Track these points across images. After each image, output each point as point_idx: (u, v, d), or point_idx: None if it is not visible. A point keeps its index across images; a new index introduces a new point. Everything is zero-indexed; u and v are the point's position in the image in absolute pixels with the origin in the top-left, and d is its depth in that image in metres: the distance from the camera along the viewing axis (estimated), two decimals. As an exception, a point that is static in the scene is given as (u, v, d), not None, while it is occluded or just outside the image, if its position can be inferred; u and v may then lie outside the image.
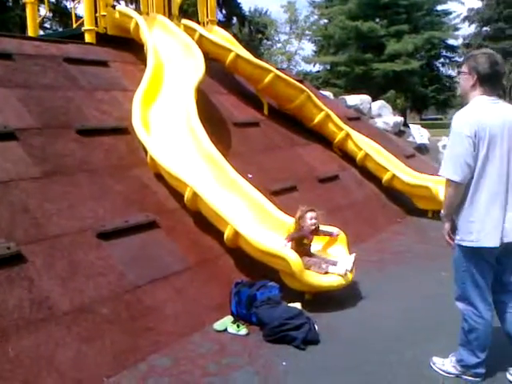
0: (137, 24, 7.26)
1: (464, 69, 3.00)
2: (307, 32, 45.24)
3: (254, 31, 37.94)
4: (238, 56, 7.76)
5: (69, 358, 3.27)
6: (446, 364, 3.26)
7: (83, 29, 7.64)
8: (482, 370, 3.12)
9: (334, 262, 4.60)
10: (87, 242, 4.17)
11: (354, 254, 4.69)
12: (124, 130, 5.73)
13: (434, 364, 3.32)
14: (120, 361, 3.44)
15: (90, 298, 3.74)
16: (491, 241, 2.88)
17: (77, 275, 3.85)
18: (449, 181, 2.93)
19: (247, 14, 38.18)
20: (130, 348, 3.56)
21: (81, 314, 3.59)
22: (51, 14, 23.31)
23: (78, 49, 7.01)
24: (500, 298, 3.11)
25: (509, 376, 3.15)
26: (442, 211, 3.13)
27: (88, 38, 7.60)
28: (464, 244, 2.98)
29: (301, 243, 4.69)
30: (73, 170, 4.82)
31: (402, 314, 4.30)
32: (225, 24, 26.65)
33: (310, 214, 4.72)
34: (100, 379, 3.25)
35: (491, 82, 2.91)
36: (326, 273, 4.47)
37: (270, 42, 46.47)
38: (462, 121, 2.87)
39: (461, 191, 2.92)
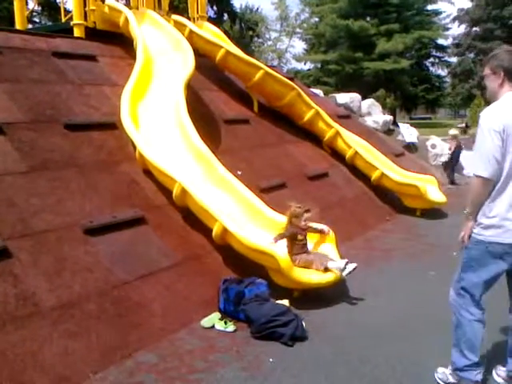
0: (126, 18, 7.22)
1: (487, 71, 2.95)
2: (298, 30, 45.33)
3: (244, 28, 37.90)
4: (228, 52, 7.74)
5: (55, 353, 3.25)
6: (445, 372, 3.14)
7: (72, 23, 7.58)
8: (475, 377, 2.97)
9: (331, 258, 4.62)
10: (74, 237, 4.14)
11: (354, 264, 4.59)
12: (112, 125, 5.69)
13: (436, 373, 3.20)
14: (107, 357, 3.42)
15: (76, 293, 3.71)
16: (509, 238, 2.81)
17: (64, 271, 3.82)
18: (478, 177, 2.83)
19: (238, 10, 38.13)
20: (117, 344, 3.54)
21: (68, 309, 3.56)
22: (40, 8, 23.09)
23: (67, 43, 6.95)
24: None
25: (495, 375, 3.14)
26: (468, 209, 2.98)
27: (77, 32, 7.54)
28: (480, 238, 2.89)
29: (295, 240, 4.69)
30: (60, 164, 4.78)
31: (389, 311, 4.33)
32: (216, 20, 26.59)
33: (306, 215, 4.72)
34: (86, 375, 3.23)
35: None
36: (326, 268, 4.48)
37: (260, 40, 46.42)
38: (491, 116, 2.81)
39: (490, 188, 2.84)
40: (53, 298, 3.57)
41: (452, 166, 10.92)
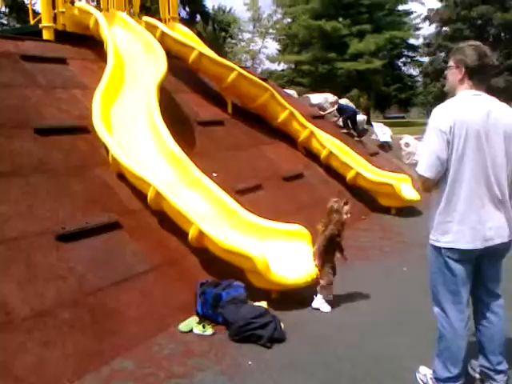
0: (96, 21, 7.13)
1: (451, 63, 2.85)
2: (271, 31, 45.41)
3: (217, 29, 37.80)
4: (201, 54, 7.70)
5: (29, 363, 3.18)
6: (427, 375, 3.09)
7: (41, 25, 7.45)
8: None
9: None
10: (46, 244, 4.05)
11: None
12: (84, 129, 5.59)
13: (418, 373, 3.17)
14: (83, 365, 3.36)
15: (50, 301, 3.64)
16: (468, 243, 2.72)
17: (36, 279, 3.73)
18: (421, 177, 2.81)
19: (211, 11, 38.01)
20: (93, 352, 3.49)
21: (41, 318, 3.49)
22: (7, 9, 22.62)
23: (36, 46, 6.83)
24: (485, 304, 2.97)
25: (470, 370, 3.16)
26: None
27: (46, 34, 7.41)
28: (438, 245, 2.82)
29: (334, 241, 4.50)
30: (31, 170, 4.68)
31: (366, 309, 4.36)
32: (188, 22, 26.43)
33: (346, 208, 4.56)
34: (62, 384, 3.17)
35: (480, 75, 2.77)
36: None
37: (234, 41, 46.37)
38: (438, 116, 2.74)
39: (433, 184, 2.81)
40: (26, 307, 3.49)
41: None
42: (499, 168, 2.76)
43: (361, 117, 12.46)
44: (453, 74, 2.85)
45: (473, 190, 2.72)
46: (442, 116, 2.73)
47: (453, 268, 2.80)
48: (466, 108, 2.72)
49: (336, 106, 11.04)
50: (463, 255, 2.77)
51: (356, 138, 10.70)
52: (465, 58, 2.77)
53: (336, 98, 11.55)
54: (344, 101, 12.58)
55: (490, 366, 2.99)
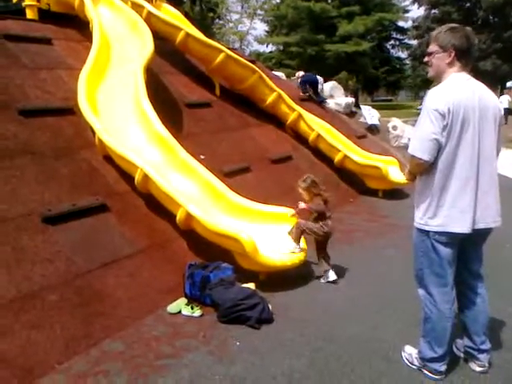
0: (81, 0, 6.97)
1: (434, 48, 2.82)
2: (259, 11, 44.90)
3: (205, 10, 37.26)
4: (188, 35, 7.58)
5: (17, 345, 3.18)
6: (412, 354, 3.14)
7: (24, 4, 7.27)
8: (440, 367, 2.97)
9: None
10: (33, 226, 4.02)
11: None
12: (70, 111, 5.52)
13: (403, 352, 3.22)
14: (71, 347, 3.36)
15: (38, 284, 3.63)
16: (459, 227, 2.74)
17: (23, 261, 3.71)
18: (414, 158, 2.77)
19: (198, -9, 37.41)
20: (81, 334, 3.49)
21: (29, 300, 3.48)
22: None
23: (19, 25, 6.68)
24: (468, 286, 3.01)
25: (455, 349, 3.21)
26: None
27: (30, 14, 7.25)
28: (427, 228, 2.82)
29: (324, 215, 4.64)
30: (15, 152, 4.61)
31: (352, 291, 4.42)
32: (175, 2, 25.98)
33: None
34: (51, 366, 3.17)
35: (468, 57, 2.77)
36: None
37: (221, 22, 45.77)
38: (437, 97, 2.70)
39: (425, 168, 2.78)
40: (13, 290, 3.48)
41: None
42: (490, 151, 2.79)
43: (349, 99, 12.46)
44: (439, 59, 2.82)
45: (466, 174, 2.73)
46: (439, 98, 2.70)
47: (440, 251, 2.82)
48: (462, 91, 2.72)
49: (300, 78, 11.16)
50: (452, 238, 2.80)
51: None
52: (454, 41, 2.75)
53: (303, 72, 11.61)
54: (333, 83, 12.57)
55: (473, 346, 3.05)
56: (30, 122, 5.06)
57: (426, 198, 2.83)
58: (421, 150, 2.74)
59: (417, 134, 2.80)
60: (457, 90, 2.72)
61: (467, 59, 2.78)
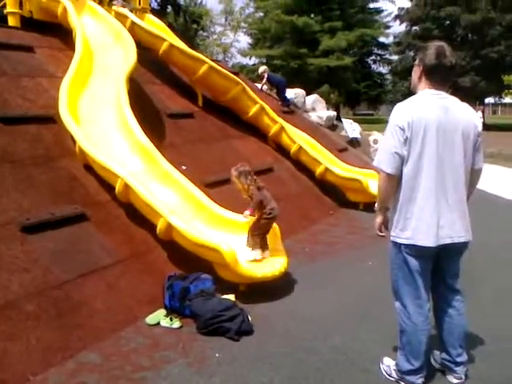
0: (65, 8, 6.96)
1: (416, 61, 2.93)
2: (243, 24, 45.27)
3: (189, 21, 37.41)
4: (171, 46, 7.60)
5: (-10, 357, 3.11)
6: (390, 366, 3.15)
7: (6, 11, 7.22)
8: (417, 380, 2.97)
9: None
10: (10, 235, 3.95)
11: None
12: (50, 119, 5.46)
13: (382, 363, 3.23)
14: (47, 358, 3.30)
15: (14, 294, 3.56)
16: (425, 240, 2.78)
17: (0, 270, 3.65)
18: (381, 172, 2.85)
19: (182, 3, 37.59)
20: (58, 345, 3.43)
21: (4, 311, 3.41)
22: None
23: (1, 33, 6.63)
24: (445, 299, 3.05)
25: (433, 361, 3.23)
26: (376, 204, 3.06)
27: (12, 21, 7.21)
28: (398, 241, 2.88)
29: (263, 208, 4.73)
30: (-6, 160, 4.55)
31: (332, 303, 4.42)
32: (159, 13, 26.08)
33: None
34: (26, 378, 3.10)
35: (437, 75, 2.81)
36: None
37: (205, 33, 45.99)
38: (398, 112, 2.80)
39: (393, 183, 2.84)
40: (-13, 300, 3.41)
41: None
42: (456, 166, 2.82)
43: (331, 113, 12.58)
44: (414, 72, 2.94)
45: (430, 187, 2.78)
46: (400, 113, 2.80)
47: (412, 264, 2.86)
48: (424, 106, 2.78)
49: (266, 76, 11.17)
50: (421, 252, 2.83)
51: (285, 109, 10.81)
52: (423, 57, 2.84)
53: (265, 67, 11.71)
54: (315, 96, 12.68)
55: (450, 359, 3.08)
56: (10, 130, 5.00)
57: (396, 211, 2.90)
58: (384, 162, 2.83)
59: (380, 148, 2.91)
60: (420, 104, 2.79)
61: (437, 77, 2.83)
